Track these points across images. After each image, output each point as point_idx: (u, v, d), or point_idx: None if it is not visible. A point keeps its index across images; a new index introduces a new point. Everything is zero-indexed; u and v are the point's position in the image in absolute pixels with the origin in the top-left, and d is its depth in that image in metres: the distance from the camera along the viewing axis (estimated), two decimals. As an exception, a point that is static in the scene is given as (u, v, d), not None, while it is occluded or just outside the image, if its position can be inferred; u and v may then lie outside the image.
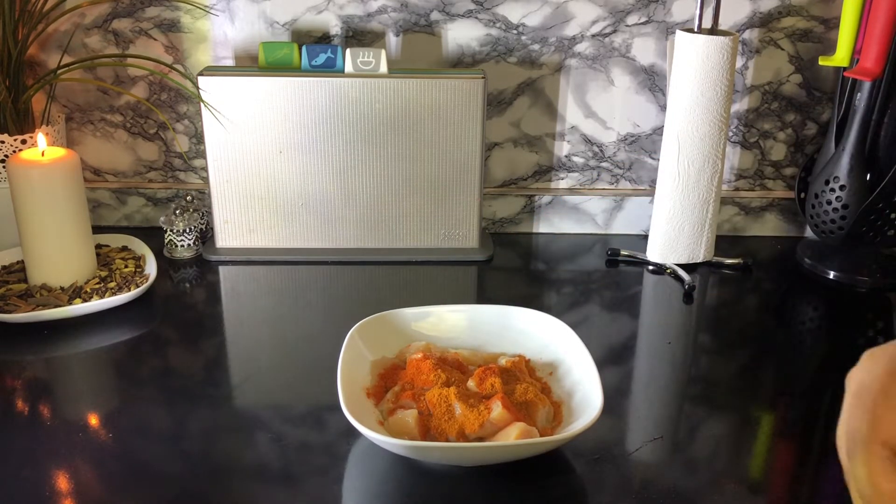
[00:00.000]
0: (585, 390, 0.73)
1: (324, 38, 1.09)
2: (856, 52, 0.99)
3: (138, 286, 0.95)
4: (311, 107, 1.02)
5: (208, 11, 1.07)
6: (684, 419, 0.80)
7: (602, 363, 0.77)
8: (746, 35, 1.09)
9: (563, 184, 1.18)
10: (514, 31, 1.09)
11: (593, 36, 1.09)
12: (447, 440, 0.68)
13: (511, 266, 1.11)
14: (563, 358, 0.79)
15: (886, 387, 0.48)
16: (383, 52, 1.01)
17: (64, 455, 0.71)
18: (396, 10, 1.07)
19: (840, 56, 1.00)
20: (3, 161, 1.00)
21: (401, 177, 1.06)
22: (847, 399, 0.50)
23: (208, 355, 0.88)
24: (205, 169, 1.12)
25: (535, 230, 1.19)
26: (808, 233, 1.19)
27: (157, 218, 1.15)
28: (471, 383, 0.73)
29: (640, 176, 1.17)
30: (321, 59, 1.02)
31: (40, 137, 0.93)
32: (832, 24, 1.09)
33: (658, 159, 1.14)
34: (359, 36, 1.09)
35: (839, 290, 1.05)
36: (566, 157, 1.16)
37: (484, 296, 1.05)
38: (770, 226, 1.19)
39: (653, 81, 1.12)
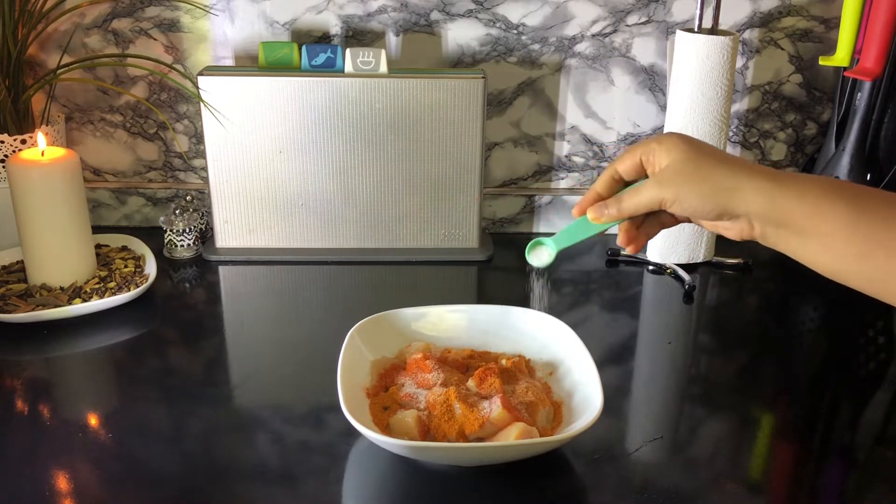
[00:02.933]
0: (585, 390, 0.73)
1: (324, 38, 1.09)
2: (856, 52, 0.99)
3: (138, 286, 0.95)
4: (311, 107, 1.02)
5: (208, 11, 1.07)
6: (684, 419, 0.80)
7: (602, 363, 0.77)
8: (746, 35, 1.09)
9: (563, 184, 1.18)
10: (514, 31, 1.09)
11: (593, 36, 1.09)
12: (447, 440, 0.68)
13: (511, 266, 1.10)
14: (563, 358, 0.79)
15: None
16: (383, 52, 1.01)
17: (64, 455, 0.71)
18: (396, 10, 1.07)
19: (840, 56, 1.00)
20: (3, 161, 1.00)
21: (401, 177, 1.06)
22: None
23: (208, 355, 0.88)
24: (205, 169, 1.12)
25: (535, 230, 1.19)
26: (808, 233, 1.18)
27: (157, 218, 1.15)
28: (471, 383, 0.73)
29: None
30: (321, 58, 1.02)
31: (40, 137, 0.93)
32: (832, 23, 1.09)
33: (658, 159, 1.14)
34: (359, 36, 1.09)
35: (839, 290, 1.05)
36: (566, 156, 1.16)
37: (484, 296, 1.05)
38: (770, 226, 1.19)
39: (653, 81, 1.12)
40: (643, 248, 1.11)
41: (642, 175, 0.63)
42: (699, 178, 0.57)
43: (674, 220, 0.64)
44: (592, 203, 0.64)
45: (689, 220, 0.63)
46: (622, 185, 0.65)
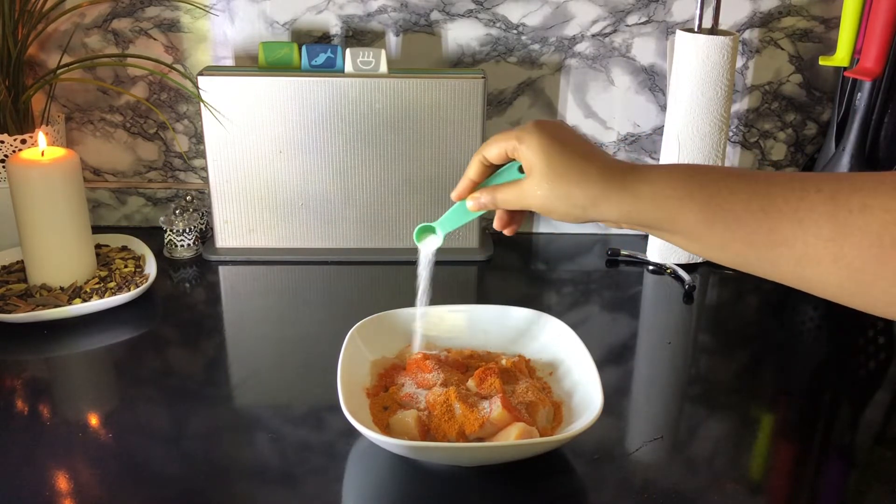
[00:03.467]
0: (585, 390, 0.73)
1: (324, 38, 1.09)
2: (856, 52, 0.99)
3: (138, 286, 0.95)
4: (311, 107, 1.02)
5: (208, 11, 1.07)
6: (684, 419, 0.80)
7: (602, 363, 0.77)
8: (746, 35, 1.09)
9: (563, 184, 1.17)
10: (514, 31, 1.09)
11: (593, 36, 1.09)
12: (447, 440, 0.68)
13: (511, 266, 1.10)
14: (563, 358, 0.79)
15: None
16: (383, 52, 1.01)
17: (64, 455, 0.71)
18: (396, 10, 1.07)
19: (840, 56, 1.00)
20: (3, 161, 1.00)
21: (401, 177, 1.06)
22: None
23: (208, 355, 0.88)
24: (205, 169, 1.12)
25: (535, 230, 1.19)
26: (808, 233, 1.18)
27: (157, 218, 1.15)
28: (471, 383, 0.73)
29: (640, 176, 1.17)
30: (321, 58, 1.02)
31: (40, 137, 0.93)
32: (832, 23, 1.09)
33: (658, 159, 1.14)
34: (359, 36, 1.09)
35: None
36: (566, 157, 1.16)
37: (484, 296, 1.05)
38: (770, 226, 1.19)
39: (653, 81, 1.12)
40: (641, 250, 1.11)
41: (510, 160, 0.65)
42: (558, 196, 0.60)
43: None
44: (468, 190, 0.68)
45: None
46: (493, 169, 0.67)
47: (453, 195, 0.69)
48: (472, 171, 0.68)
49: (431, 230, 0.73)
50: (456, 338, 0.83)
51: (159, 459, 0.71)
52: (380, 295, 1.04)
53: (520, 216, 0.70)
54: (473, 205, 0.67)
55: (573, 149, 0.61)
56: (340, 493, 0.68)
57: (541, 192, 0.61)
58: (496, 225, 0.70)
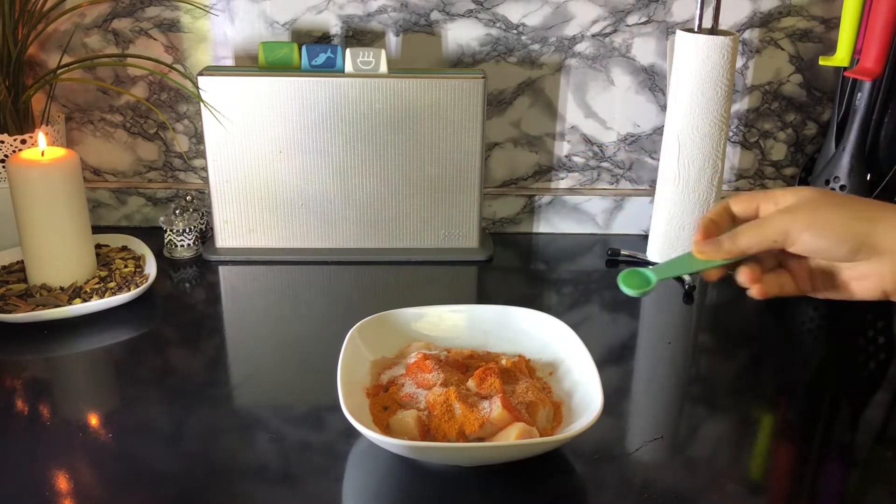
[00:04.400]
0: (585, 390, 0.73)
1: (324, 38, 1.09)
2: (856, 52, 0.99)
3: (138, 286, 0.95)
4: (311, 107, 1.02)
5: (208, 11, 1.07)
6: (684, 419, 0.80)
7: (602, 363, 0.77)
8: (746, 35, 1.09)
9: (563, 184, 1.18)
10: (514, 31, 1.09)
11: (593, 36, 1.09)
12: (447, 440, 0.68)
13: (511, 266, 1.10)
14: (563, 358, 0.79)
15: None
16: (383, 52, 1.01)
17: (64, 455, 0.71)
18: (396, 10, 1.07)
19: (840, 56, 1.00)
20: (3, 161, 1.00)
21: (401, 177, 1.06)
22: None
23: (208, 355, 0.88)
24: (205, 169, 1.12)
25: (535, 230, 1.19)
26: (808, 233, 1.18)
27: (157, 218, 1.15)
28: (471, 383, 0.73)
29: (640, 176, 1.17)
30: (321, 58, 1.02)
31: (40, 137, 0.93)
32: (832, 23, 1.09)
33: (658, 159, 1.14)
34: (359, 36, 1.09)
35: (839, 290, 1.05)
36: (566, 157, 1.16)
37: (484, 296, 1.05)
38: (770, 226, 1.19)
39: (653, 81, 1.12)
40: (641, 250, 1.11)
41: (753, 218, 0.59)
42: (835, 205, 0.53)
43: (800, 270, 0.60)
44: (707, 233, 0.59)
45: (813, 284, 0.60)
46: (732, 223, 0.60)
47: (696, 247, 0.60)
48: (713, 212, 0.60)
49: (645, 280, 0.63)
50: (456, 338, 0.83)
51: (159, 459, 0.71)
52: (380, 295, 1.04)
53: (778, 281, 0.60)
54: (709, 250, 0.58)
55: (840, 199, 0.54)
56: (340, 493, 0.68)
57: (813, 205, 0.53)
58: (743, 278, 0.60)
